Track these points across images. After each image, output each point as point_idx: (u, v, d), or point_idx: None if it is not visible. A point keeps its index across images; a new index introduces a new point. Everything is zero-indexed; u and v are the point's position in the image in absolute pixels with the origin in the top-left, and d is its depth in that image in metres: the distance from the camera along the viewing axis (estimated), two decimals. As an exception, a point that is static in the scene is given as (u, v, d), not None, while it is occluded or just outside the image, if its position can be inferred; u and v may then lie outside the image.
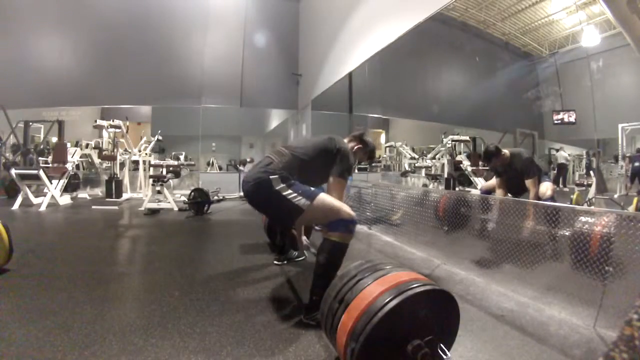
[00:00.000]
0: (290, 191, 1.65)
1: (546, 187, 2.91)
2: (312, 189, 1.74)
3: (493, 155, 3.01)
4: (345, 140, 1.98)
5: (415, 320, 1.10)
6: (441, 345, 1.10)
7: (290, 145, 1.89)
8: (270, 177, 1.67)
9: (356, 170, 9.47)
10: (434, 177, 6.69)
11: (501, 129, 7.67)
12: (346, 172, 1.82)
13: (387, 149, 11.29)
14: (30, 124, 6.07)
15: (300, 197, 1.64)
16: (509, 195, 3.23)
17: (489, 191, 3.40)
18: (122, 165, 6.70)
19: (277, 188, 1.65)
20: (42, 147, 6.99)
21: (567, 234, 1.86)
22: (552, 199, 2.87)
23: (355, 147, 2.05)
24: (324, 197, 1.68)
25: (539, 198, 2.85)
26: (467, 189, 6.34)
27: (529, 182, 2.90)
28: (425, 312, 1.11)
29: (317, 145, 1.85)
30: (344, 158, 1.81)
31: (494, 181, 3.34)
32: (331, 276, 1.57)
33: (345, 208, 1.67)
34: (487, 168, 6.63)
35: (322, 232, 1.70)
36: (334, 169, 1.80)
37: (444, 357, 1.10)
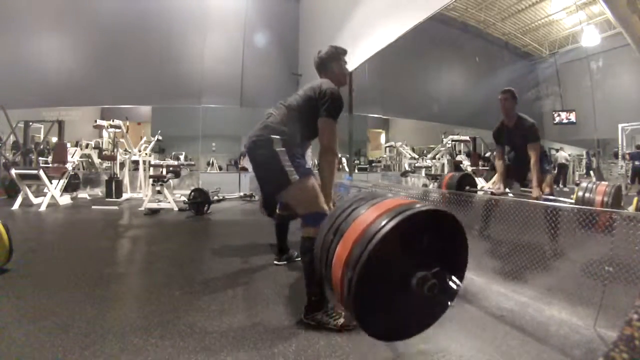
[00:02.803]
0: (286, 158, 1.62)
1: (546, 183, 2.91)
2: (308, 167, 1.72)
3: (509, 92, 2.98)
4: (325, 81, 1.84)
5: (418, 250, 1.01)
6: (451, 276, 1.01)
7: (286, 99, 1.85)
8: (272, 136, 1.65)
9: (356, 170, 9.48)
10: (434, 177, 6.69)
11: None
12: (333, 110, 1.71)
13: (387, 149, 11.30)
14: (30, 124, 6.08)
15: (292, 169, 1.61)
16: (509, 166, 3.17)
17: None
18: (122, 165, 6.69)
19: (276, 149, 1.63)
20: (42, 147, 6.99)
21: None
22: (551, 195, 2.88)
23: (335, 69, 1.92)
24: (313, 182, 1.66)
25: (540, 185, 2.81)
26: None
27: (531, 147, 2.88)
28: (429, 239, 1.02)
29: (303, 95, 1.79)
30: (330, 97, 1.70)
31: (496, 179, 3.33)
32: (320, 272, 1.59)
33: (323, 202, 1.64)
34: (487, 168, 6.63)
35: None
36: (321, 111, 1.71)
37: (455, 287, 1.01)
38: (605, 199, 2.42)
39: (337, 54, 1.96)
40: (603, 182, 2.63)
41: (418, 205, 1.01)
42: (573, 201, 2.67)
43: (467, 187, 3.41)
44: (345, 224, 1.05)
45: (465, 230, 1.11)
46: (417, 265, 0.99)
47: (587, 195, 2.52)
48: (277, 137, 1.65)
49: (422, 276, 0.97)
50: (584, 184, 2.66)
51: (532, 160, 2.85)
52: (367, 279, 0.93)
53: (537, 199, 2.76)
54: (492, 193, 3.13)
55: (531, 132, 2.91)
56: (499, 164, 3.18)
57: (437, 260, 1.02)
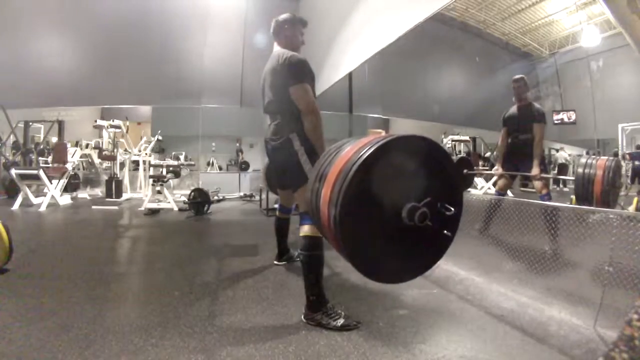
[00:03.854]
0: (305, 158, 1.64)
1: (542, 184, 2.92)
2: None
3: (522, 80, 3.12)
4: (279, 53, 1.82)
5: (408, 184, 0.97)
6: (443, 204, 0.97)
7: (264, 95, 1.88)
8: (290, 135, 1.68)
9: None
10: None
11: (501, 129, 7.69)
12: (298, 74, 1.64)
13: (387, 149, 11.30)
14: (30, 124, 6.08)
15: (309, 169, 1.61)
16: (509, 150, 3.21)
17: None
18: (122, 165, 6.69)
19: (296, 148, 1.66)
20: (42, 147, 6.99)
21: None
22: (547, 195, 2.89)
23: (288, 33, 1.96)
24: None
25: (540, 164, 2.86)
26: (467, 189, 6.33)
27: (536, 126, 2.96)
28: (417, 172, 0.97)
29: (272, 82, 1.78)
30: (289, 63, 1.66)
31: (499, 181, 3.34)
32: (318, 272, 1.59)
33: None
34: (487, 168, 6.62)
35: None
36: (288, 81, 1.65)
37: (447, 213, 0.97)
38: (606, 173, 2.39)
39: (294, 20, 2.02)
40: (603, 157, 2.57)
41: (397, 135, 0.96)
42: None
43: (465, 171, 3.42)
44: (328, 168, 1.02)
45: (453, 161, 1.09)
46: (408, 199, 0.96)
47: (587, 171, 2.48)
48: (295, 134, 1.67)
49: (411, 207, 0.94)
50: (583, 160, 2.61)
51: (536, 140, 2.93)
52: (353, 210, 0.89)
53: (535, 177, 2.83)
54: (495, 182, 3.16)
55: (538, 113, 3.02)
56: (501, 145, 3.28)
57: (429, 194, 0.98)
